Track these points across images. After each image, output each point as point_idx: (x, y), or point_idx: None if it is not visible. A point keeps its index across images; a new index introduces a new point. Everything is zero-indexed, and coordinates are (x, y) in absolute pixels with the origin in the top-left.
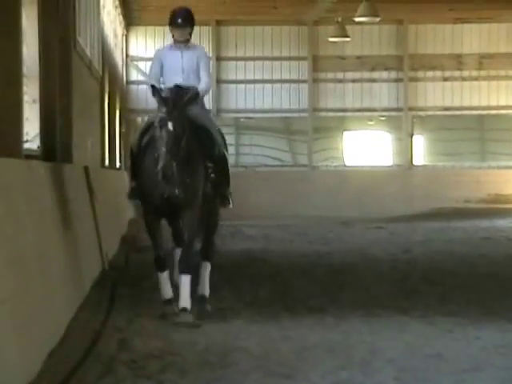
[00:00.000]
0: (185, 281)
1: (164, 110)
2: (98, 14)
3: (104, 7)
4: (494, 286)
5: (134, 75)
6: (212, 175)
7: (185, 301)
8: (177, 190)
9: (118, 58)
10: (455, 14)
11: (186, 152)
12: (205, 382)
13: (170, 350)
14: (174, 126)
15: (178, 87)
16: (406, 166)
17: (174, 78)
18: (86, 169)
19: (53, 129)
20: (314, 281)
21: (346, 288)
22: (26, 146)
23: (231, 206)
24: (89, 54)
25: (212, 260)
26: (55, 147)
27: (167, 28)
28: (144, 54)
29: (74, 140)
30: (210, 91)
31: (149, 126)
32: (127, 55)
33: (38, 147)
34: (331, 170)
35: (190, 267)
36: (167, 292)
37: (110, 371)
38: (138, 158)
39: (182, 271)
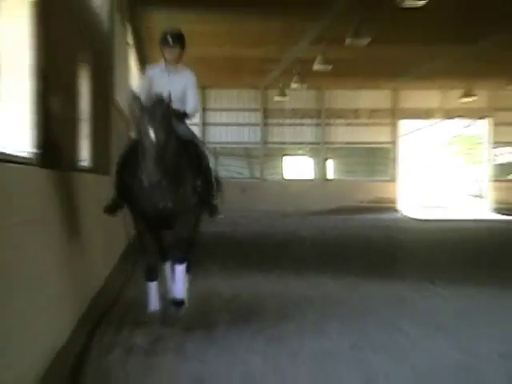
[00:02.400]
0: (180, 270)
1: (145, 118)
2: (128, 80)
3: (132, 75)
4: (379, 256)
5: None
6: (199, 188)
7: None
8: (169, 203)
9: None
10: (355, 84)
11: (174, 163)
12: (195, 312)
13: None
14: (155, 135)
15: (160, 97)
16: (323, 179)
17: None
18: None
19: (98, 154)
20: (264, 252)
21: (284, 257)
22: (81, 164)
23: (221, 216)
24: (122, 106)
25: (189, 273)
26: (99, 165)
27: None
28: None
29: (112, 161)
30: (199, 127)
31: (134, 145)
32: None
33: (88, 165)
34: (275, 181)
35: (185, 257)
36: (155, 303)
37: (130, 310)
38: (124, 174)
39: (178, 261)
